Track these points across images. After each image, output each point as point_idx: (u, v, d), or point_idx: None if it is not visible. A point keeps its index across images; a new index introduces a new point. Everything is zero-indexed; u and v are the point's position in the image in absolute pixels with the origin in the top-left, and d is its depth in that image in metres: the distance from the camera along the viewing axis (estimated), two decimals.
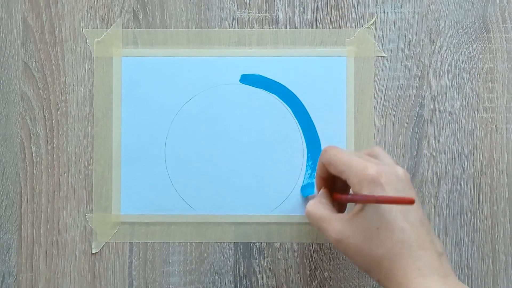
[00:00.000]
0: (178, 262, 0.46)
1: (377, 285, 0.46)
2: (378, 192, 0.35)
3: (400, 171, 0.37)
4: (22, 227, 0.46)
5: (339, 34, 0.47)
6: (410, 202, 0.32)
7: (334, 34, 0.47)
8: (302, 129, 0.46)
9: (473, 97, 0.47)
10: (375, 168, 0.36)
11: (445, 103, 0.47)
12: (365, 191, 0.35)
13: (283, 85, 0.46)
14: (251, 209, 0.46)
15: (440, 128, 0.46)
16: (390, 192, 0.35)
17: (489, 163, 0.46)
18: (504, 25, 0.47)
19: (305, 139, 0.46)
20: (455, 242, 0.46)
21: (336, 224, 0.37)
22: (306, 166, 0.46)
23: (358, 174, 0.36)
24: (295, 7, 0.47)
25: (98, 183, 0.46)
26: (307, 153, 0.46)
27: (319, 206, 0.39)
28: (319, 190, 0.42)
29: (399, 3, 0.47)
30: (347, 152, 0.38)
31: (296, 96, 0.46)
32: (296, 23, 0.47)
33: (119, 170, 0.46)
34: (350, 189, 0.40)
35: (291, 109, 0.46)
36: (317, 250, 0.46)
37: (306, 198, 0.46)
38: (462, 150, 0.46)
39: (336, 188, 0.42)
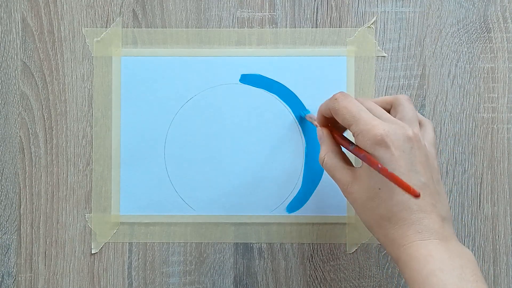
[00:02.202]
0: (178, 263, 0.46)
1: (377, 285, 0.46)
2: (383, 153, 0.34)
3: (410, 131, 0.35)
4: (21, 228, 0.46)
5: (340, 33, 0.47)
6: (414, 195, 0.31)
7: (335, 34, 0.47)
8: (302, 129, 0.46)
9: (474, 97, 0.46)
10: (382, 127, 0.34)
11: (445, 103, 0.46)
12: (370, 150, 0.34)
13: (283, 85, 0.46)
14: (251, 209, 0.46)
15: (441, 128, 0.46)
16: (396, 153, 0.34)
17: (490, 163, 0.46)
18: (505, 25, 0.46)
19: (305, 139, 0.46)
20: None
21: (346, 177, 0.37)
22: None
23: (364, 132, 0.35)
24: (295, 7, 0.47)
25: (97, 183, 0.46)
26: (308, 153, 0.46)
27: (332, 155, 0.38)
28: (319, 124, 0.40)
29: (399, 2, 0.47)
30: (358, 105, 0.36)
31: (296, 96, 0.46)
32: (296, 22, 0.47)
33: (118, 170, 0.46)
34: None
35: (291, 109, 0.46)
36: (317, 251, 0.46)
37: (304, 117, 0.45)
38: (463, 150, 0.46)
39: (337, 126, 0.40)
